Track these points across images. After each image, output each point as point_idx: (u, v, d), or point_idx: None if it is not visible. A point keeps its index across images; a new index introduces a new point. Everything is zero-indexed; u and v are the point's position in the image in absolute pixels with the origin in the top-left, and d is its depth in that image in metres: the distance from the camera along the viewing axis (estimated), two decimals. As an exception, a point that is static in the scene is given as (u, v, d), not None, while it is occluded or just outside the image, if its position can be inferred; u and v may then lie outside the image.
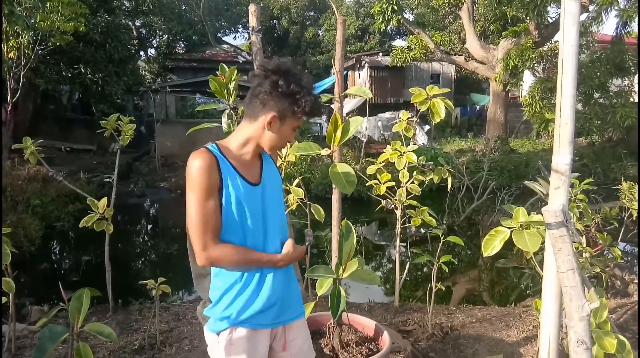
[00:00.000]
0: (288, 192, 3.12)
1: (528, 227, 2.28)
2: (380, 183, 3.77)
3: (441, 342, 3.38)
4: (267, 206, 1.70)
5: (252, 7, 3.22)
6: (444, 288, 3.50)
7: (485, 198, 7.99)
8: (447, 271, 3.46)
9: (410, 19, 17.70)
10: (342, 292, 2.24)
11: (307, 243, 3.29)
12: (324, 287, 2.33)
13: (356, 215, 8.83)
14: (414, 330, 3.55)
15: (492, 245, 2.29)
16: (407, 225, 4.12)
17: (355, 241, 2.27)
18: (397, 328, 3.58)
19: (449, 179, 4.02)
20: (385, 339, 2.55)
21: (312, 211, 2.99)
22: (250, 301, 1.64)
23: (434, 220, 3.80)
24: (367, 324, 2.75)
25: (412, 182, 3.86)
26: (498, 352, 3.28)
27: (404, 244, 6.75)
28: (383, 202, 4.09)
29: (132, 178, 11.09)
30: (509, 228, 2.29)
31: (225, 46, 22.97)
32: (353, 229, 2.29)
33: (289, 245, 1.72)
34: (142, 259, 7.30)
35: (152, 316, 3.47)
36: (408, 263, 4.03)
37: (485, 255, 2.30)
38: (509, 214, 2.34)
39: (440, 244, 3.36)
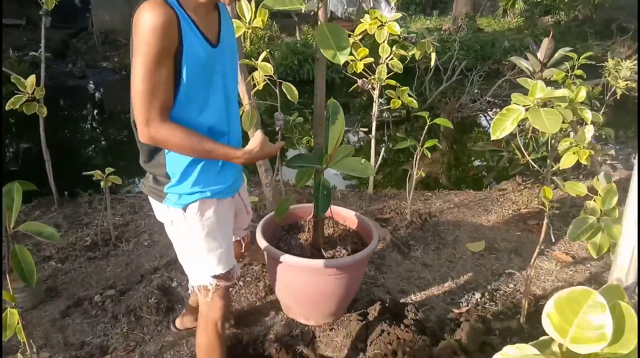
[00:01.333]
0: (253, 69, 2.64)
1: (545, 104, 1.94)
2: (357, 59, 3.30)
3: (420, 229, 3.21)
4: (228, 76, 1.46)
5: None
6: (423, 174, 3.25)
7: (454, 80, 7.64)
8: (429, 155, 3.18)
9: None
10: (328, 185, 1.91)
11: (277, 128, 2.90)
12: (304, 179, 1.99)
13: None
14: (392, 218, 3.34)
15: (502, 126, 1.96)
16: (384, 107, 3.74)
17: (343, 124, 1.89)
18: (374, 217, 3.36)
19: (433, 55, 3.59)
20: (370, 232, 2.29)
21: (284, 90, 2.54)
22: (221, 175, 1.50)
23: (414, 101, 3.43)
24: (348, 216, 2.48)
25: (392, 58, 3.43)
26: (480, 238, 3.14)
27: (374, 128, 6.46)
28: (359, 82, 3.67)
29: (69, 56, 9.95)
30: (524, 106, 1.96)
31: None
32: (341, 110, 1.90)
33: (257, 139, 1.43)
34: (90, 147, 6.72)
35: (104, 209, 3.09)
36: (383, 147, 3.74)
37: (493, 137, 1.98)
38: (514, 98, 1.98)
39: (426, 127, 3.03)
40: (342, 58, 1.64)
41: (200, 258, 1.55)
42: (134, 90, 1.26)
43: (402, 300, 2.49)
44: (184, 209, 1.47)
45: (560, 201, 3.58)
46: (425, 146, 3.03)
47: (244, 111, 2.74)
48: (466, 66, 8.43)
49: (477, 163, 5.39)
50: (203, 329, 1.68)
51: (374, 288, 2.58)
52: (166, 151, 1.41)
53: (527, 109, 1.96)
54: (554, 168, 3.34)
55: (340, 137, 1.85)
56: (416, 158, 3.16)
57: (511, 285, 2.65)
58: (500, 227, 3.31)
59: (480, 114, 7.55)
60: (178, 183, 1.44)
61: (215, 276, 1.57)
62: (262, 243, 2.14)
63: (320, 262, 2.02)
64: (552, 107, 1.97)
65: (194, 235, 1.51)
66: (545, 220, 2.02)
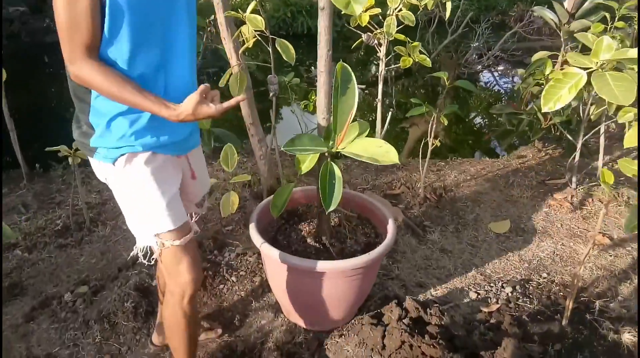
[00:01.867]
0: (242, 23, 2.19)
1: (613, 67, 1.54)
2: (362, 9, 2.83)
3: (436, 207, 2.84)
4: (172, 21, 1.26)
5: None
6: (438, 144, 2.85)
7: (459, 32, 7.09)
8: (446, 123, 2.77)
9: None
10: (338, 172, 1.51)
11: (271, 94, 2.47)
12: (306, 163, 1.60)
13: (315, 56, 7.79)
14: (403, 193, 2.97)
15: (556, 96, 1.56)
16: (393, 66, 3.30)
17: (357, 95, 1.48)
18: (382, 193, 2.98)
19: (448, 5, 3.12)
20: (384, 219, 1.92)
21: (278, 48, 2.10)
22: (159, 128, 1.32)
23: (427, 59, 2.98)
24: (356, 199, 2.10)
25: (400, 9, 2.96)
26: (503, 216, 2.79)
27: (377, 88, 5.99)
28: (363, 36, 3.20)
29: (46, 11, 9.27)
30: (585, 68, 1.55)
31: None
32: (353, 77, 1.48)
33: (190, 99, 1.20)
34: (67, 111, 6.23)
35: (74, 188, 2.70)
36: (390, 112, 3.31)
37: (544, 109, 1.58)
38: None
39: (444, 91, 2.61)
40: (357, 8, 1.22)
41: (140, 215, 1.38)
42: (57, 24, 1.14)
43: (420, 296, 2.15)
44: (114, 163, 1.33)
45: (589, 174, 3.21)
46: (445, 112, 2.62)
47: (232, 73, 2.31)
48: (471, 17, 7.86)
49: (487, 125, 4.98)
50: (167, 304, 1.50)
51: (387, 281, 2.24)
52: (94, 96, 1.26)
53: (589, 74, 1.55)
54: (586, 136, 2.95)
55: (353, 112, 1.44)
56: (432, 126, 2.75)
57: (544, 274, 2.31)
58: (524, 202, 2.94)
59: (487, 71, 7.08)
60: (103, 135, 1.29)
61: (159, 235, 1.38)
62: (256, 238, 1.77)
63: (328, 264, 1.66)
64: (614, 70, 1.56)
65: (129, 189, 1.36)
66: (603, 210, 1.65)
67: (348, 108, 1.46)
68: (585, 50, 3.39)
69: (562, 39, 3.21)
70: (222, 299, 2.10)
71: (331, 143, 1.55)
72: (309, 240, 1.88)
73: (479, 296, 2.16)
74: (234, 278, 2.19)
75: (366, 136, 1.55)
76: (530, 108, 3.56)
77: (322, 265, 1.66)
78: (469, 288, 2.21)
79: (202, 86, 1.21)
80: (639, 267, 2.37)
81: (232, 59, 2.46)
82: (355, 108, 1.45)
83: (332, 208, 1.52)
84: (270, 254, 1.70)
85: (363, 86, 6.36)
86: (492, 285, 2.23)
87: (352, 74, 1.47)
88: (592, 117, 2.91)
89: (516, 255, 2.47)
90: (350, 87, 1.46)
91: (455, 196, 2.99)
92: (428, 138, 2.81)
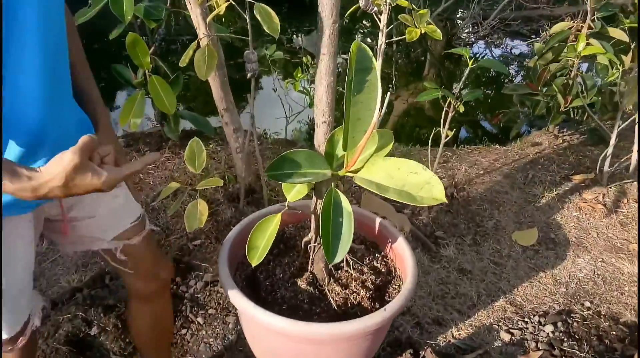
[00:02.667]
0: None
1: None
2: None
3: (448, 212, 2.37)
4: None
5: None
6: (450, 134, 2.35)
7: (454, -2, 6.52)
8: (462, 109, 2.27)
9: None
10: (347, 206, 1.01)
11: (249, 74, 1.93)
12: (297, 191, 1.10)
13: (298, 24, 7.14)
14: (408, 193, 2.48)
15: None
16: (395, 39, 2.76)
17: (380, 92, 0.96)
18: (383, 192, 2.49)
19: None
20: (400, 247, 1.44)
21: (258, 16, 1.56)
22: None
23: (438, 31, 2.45)
24: (360, 218, 1.60)
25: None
26: (527, 223, 2.33)
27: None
28: (360, 2, 2.65)
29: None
30: None
31: None
32: (375, 63, 0.95)
33: (64, 162, 0.71)
34: None
35: None
36: (388, 94, 2.80)
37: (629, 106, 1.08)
38: None
39: (467, 70, 2.11)
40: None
41: None
42: None
43: (440, 339, 1.70)
44: None
45: (618, 168, 2.76)
46: (466, 98, 2.12)
47: (197, 48, 1.77)
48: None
49: (502, 109, 4.50)
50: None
51: (397, 317, 1.77)
52: None
53: None
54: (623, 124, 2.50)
55: (375, 120, 0.93)
56: (446, 114, 2.25)
57: (587, 303, 1.87)
58: (550, 204, 2.49)
59: (482, 42, 6.55)
60: None
61: None
62: (226, 282, 1.27)
63: (329, 329, 1.17)
64: None
65: None
66: None
67: (367, 114, 0.95)
68: (609, 22, 2.91)
69: (588, 7, 2.72)
70: (183, 350, 1.60)
71: (337, 162, 1.05)
72: (299, 282, 1.39)
73: (513, 338, 1.71)
74: (200, 320, 1.69)
75: (388, 156, 1.04)
76: (548, 89, 3.09)
77: (320, 330, 1.17)
78: (499, 325, 1.76)
79: (84, 138, 0.71)
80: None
81: (200, 29, 1.92)
82: (378, 114, 0.94)
83: (338, 260, 1.02)
84: (246, 311, 1.20)
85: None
86: (526, 320, 1.78)
87: (374, 59, 0.95)
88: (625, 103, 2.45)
89: (549, 275, 2.03)
90: (371, 81, 0.94)
91: (469, 196, 2.52)
92: (441, 128, 2.31)
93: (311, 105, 2.99)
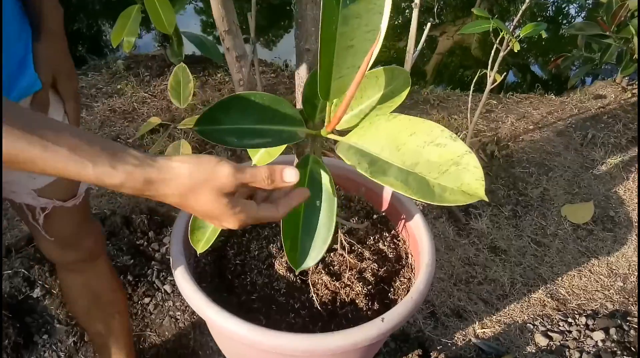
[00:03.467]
0: None
1: None
2: None
3: (486, 175, 1.97)
4: None
5: None
6: (499, 78, 1.90)
7: None
8: (517, 49, 1.81)
9: None
10: (328, 184, 0.65)
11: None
12: (261, 155, 0.74)
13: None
14: (439, 147, 2.08)
15: None
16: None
17: (388, 9, 0.57)
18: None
19: None
20: (417, 225, 1.08)
21: None
22: None
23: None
24: (370, 185, 1.24)
25: None
26: (582, 195, 1.92)
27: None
28: None
29: None
30: None
31: None
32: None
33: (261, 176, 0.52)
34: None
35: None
36: (428, 25, 2.33)
37: None
38: None
39: (525, 2, 1.64)
40: None
41: None
42: None
43: (457, 337, 1.37)
44: None
45: None
46: (524, 34, 1.67)
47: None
48: None
49: (564, 52, 3.90)
50: None
51: (407, 303, 1.45)
52: None
53: None
54: None
55: (372, 55, 0.55)
56: (497, 53, 1.80)
57: (649, 305, 1.50)
58: (612, 173, 2.05)
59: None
60: None
61: None
62: (176, 258, 0.94)
63: (303, 342, 0.85)
64: None
65: None
66: None
67: (365, 38, 0.56)
68: None
69: None
70: (144, 323, 1.33)
71: (320, 114, 0.68)
72: (277, 264, 1.06)
73: (551, 343, 1.36)
74: (167, 287, 1.40)
75: (395, 109, 0.66)
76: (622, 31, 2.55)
77: (292, 344, 0.85)
78: (534, 325, 1.42)
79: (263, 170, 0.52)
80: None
81: None
82: (378, 47, 0.56)
83: (308, 265, 0.68)
84: (214, 321, 0.88)
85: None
86: (570, 320, 1.43)
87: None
88: None
89: (603, 263, 1.64)
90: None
91: (513, 155, 2.10)
92: (488, 70, 1.87)
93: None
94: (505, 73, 2.01)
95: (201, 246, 0.81)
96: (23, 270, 1.34)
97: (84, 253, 1.00)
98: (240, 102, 0.62)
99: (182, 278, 0.91)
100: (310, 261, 0.69)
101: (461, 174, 0.54)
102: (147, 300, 1.36)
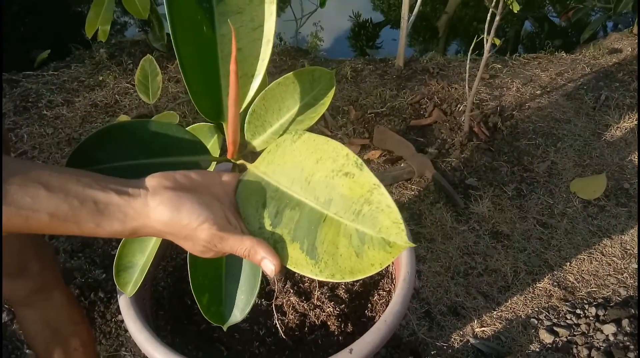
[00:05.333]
0: None
1: None
2: None
3: (488, 150, 1.82)
4: None
5: None
6: (498, 42, 1.73)
7: None
8: (517, 9, 1.63)
9: None
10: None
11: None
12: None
13: None
14: (436, 125, 1.93)
15: None
16: None
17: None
18: (404, 123, 1.96)
19: None
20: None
21: None
22: None
23: None
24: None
25: None
26: (593, 166, 1.76)
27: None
28: None
29: None
30: None
31: None
32: None
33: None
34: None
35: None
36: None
37: None
38: None
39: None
40: None
41: None
42: None
43: (454, 338, 1.26)
44: None
45: None
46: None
47: None
48: None
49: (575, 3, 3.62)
50: None
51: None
52: None
53: None
54: None
55: (264, 45, 0.43)
56: (495, 13, 1.62)
57: (668, 289, 1.36)
58: (628, 139, 1.87)
59: None
60: None
61: None
62: (130, 325, 0.85)
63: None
64: None
65: None
66: None
67: (250, 36, 0.43)
68: None
69: None
70: (119, 342, 1.26)
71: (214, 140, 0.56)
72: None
73: (557, 340, 1.25)
74: (141, 302, 1.33)
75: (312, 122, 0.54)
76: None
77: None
78: (538, 319, 1.30)
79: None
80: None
81: None
82: (272, 38, 0.43)
83: (237, 319, 0.58)
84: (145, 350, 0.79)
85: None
86: (578, 311, 1.31)
87: None
88: None
89: (617, 243, 1.50)
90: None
91: (518, 126, 1.94)
92: (484, 34, 1.69)
93: (323, 4, 2.38)
94: (508, 31, 1.82)
95: (130, 289, 0.71)
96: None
97: (34, 283, 0.92)
98: (121, 133, 0.50)
99: (127, 313, 0.81)
100: (238, 315, 0.59)
101: (376, 215, 0.42)
102: (120, 317, 1.29)
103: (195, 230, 0.43)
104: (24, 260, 0.88)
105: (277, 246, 0.45)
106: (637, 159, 1.78)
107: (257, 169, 0.50)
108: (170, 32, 0.42)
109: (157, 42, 2.49)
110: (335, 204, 0.44)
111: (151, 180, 0.44)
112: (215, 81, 0.47)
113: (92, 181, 0.41)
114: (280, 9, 3.04)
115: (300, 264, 0.44)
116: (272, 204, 0.47)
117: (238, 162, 0.54)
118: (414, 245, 0.42)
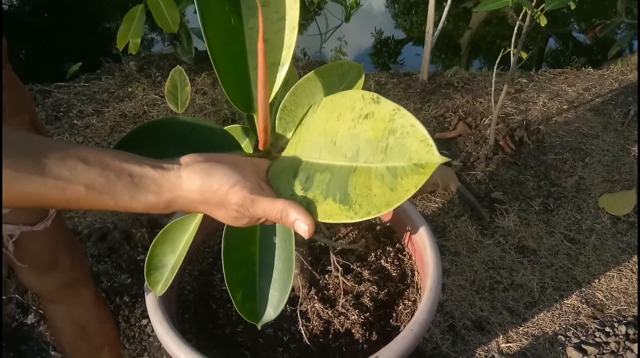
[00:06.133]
0: None
1: None
2: None
3: (514, 164, 1.80)
4: None
5: None
6: (525, 56, 1.72)
7: None
8: (544, 23, 1.62)
9: None
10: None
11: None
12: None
13: None
14: (460, 137, 1.92)
15: None
16: None
17: None
18: (429, 130, 1.94)
19: None
20: (421, 243, 0.96)
21: None
22: None
23: None
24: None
25: None
26: (623, 182, 1.73)
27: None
28: None
29: None
30: None
31: None
32: None
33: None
34: None
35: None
36: (447, 3, 2.15)
37: None
38: None
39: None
40: None
41: None
42: None
43: (479, 354, 1.24)
44: None
45: None
46: (549, 7, 1.48)
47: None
48: None
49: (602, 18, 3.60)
50: None
51: (423, 315, 1.33)
52: None
53: None
54: None
55: (287, 36, 0.44)
56: (519, 28, 1.62)
57: (703, 309, 1.32)
58: (659, 156, 1.84)
59: None
60: None
61: None
62: (156, 326, 0.86)
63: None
64: None
65: None
66: None
67: (275, 27, 0.45)
68: None
69: None
70: (142, 346, 1.27)
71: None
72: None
73: (584, 353, 1.21)
74: (165, 308, 1.34)
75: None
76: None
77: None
78: (566, 336, 1.27)
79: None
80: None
81: None
82: (295, 27, 0.44)
83: (271, 317, 0.59)
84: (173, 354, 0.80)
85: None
86: (607, 330, 1.27)
87: None
88: None
89: (648, 260, 1.47)
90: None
91: (545, 140, 1.92)
92: (511, 47, 1.69)
93: (348, 19, 2.40)
94: (533, 47, 1.82)
95: (160, 289, 0.72)
96: (17, 296, 1.30)
97: (63, 278, 0.94)
98: (158, 130, 0.51)
99: (154, 315, 0.82)
100: (272, 313, 0.59)
101: (403, 142, 0.41)
102: (144, 321, 1.30)
103: (227, 194, 0.43)
104: (55, 255, 0.90)
105: (309, 208, 0.44)
106: (668, 176, 1.74)
107: (288, 153, 0.51)
108: (201, 25, 0.44)
109: (185, 56, 2.54)
110: (362, 152, 0.43)
111: (185, 157, 0.45)
112: (245, 73, 0.48)
113: (129, 157, 0.43)
114: (303, 26, 3.08)
115: (334, 214, 0.43)
116: (302, 173, 0.47)
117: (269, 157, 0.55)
118: (447, 159, 0.40)
